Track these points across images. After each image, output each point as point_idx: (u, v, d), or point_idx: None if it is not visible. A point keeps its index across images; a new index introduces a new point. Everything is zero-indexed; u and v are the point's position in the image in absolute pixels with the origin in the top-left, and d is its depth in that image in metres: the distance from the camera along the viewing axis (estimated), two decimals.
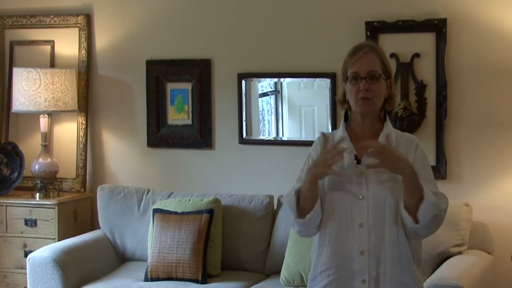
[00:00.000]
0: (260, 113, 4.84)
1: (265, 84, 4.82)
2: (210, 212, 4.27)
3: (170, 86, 4.88)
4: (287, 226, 4.20)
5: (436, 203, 2.48)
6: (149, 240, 4.36)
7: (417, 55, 4.30)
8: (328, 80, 4.51)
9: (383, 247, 2.50)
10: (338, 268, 2.54)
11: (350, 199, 2.53)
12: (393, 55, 4.31)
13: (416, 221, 2.47)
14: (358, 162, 2.55)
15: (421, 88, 4.30)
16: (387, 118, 2.63)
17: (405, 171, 2.45)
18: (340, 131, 2.63)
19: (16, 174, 4.89)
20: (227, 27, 4.74)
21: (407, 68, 4.32)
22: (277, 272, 4.13)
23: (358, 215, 2.52)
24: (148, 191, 4.66)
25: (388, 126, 2.61)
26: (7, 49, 5.14)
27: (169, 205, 4.40)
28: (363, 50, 2.56)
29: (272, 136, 4.82)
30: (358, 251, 2.51)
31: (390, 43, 4.34)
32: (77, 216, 4.83)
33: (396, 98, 2.70)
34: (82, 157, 4.97)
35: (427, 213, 2.46)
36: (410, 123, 4.26)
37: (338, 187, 2.55)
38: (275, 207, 4.41)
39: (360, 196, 2.52)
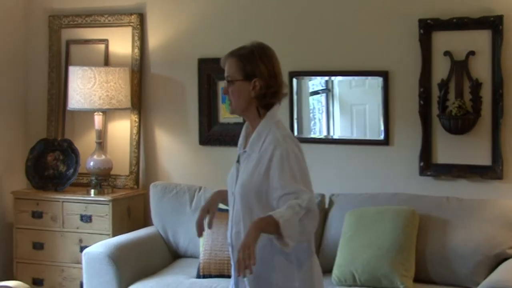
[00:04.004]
0: (311, 111, 4.84)
1: (316, 83, 4.82)
2: None
3: (222, 84, 4.88)
4: (339, 225, 4.20)
5: (291, 214, 2.51)
6: (201, 237, 4.39)
7: (472, 53, 4.25)
8: (380, 79, 4.48)
9: (239, 239, 2.66)
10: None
11: (229, 196, 2.83)
12: (447, 53, 4.28)
13: (287, 243, 2.54)
14: (239, 160, 2.80)
15: (476, 86, 4.25)
16: (266, 115, 2.74)
17: (251, 227, 2.53)
18: (243, 129, 2.87)
19: (71, 170, 4.99)
20: (279, 25, 4.75)
21: (461, 66, 4.27)
22: (328, 271, 4.11)
23: (230, 209, 2.81)
24: (200, 188, 4.70)
25: (264, 125, 2.73)
26: (63, 48, 5.24)
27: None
28: (224, 58, 2.83)
29: (323, 134, 4.81)
30: (229, 242, 2.81)
31: (444, 40, 4.31)
32: (131, 212, 4.90)
33: (281, 95, 2.78)
34: (135, 155, 5.04)
35: (291, 230, 2.52)
36: (464, 122, 4.21)
37: (227, 186, 2.85)
38: (326, 206, 4.41)
39: (232, 193, 2.79)
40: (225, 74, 2.79)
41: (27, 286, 3.91)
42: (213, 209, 2.95)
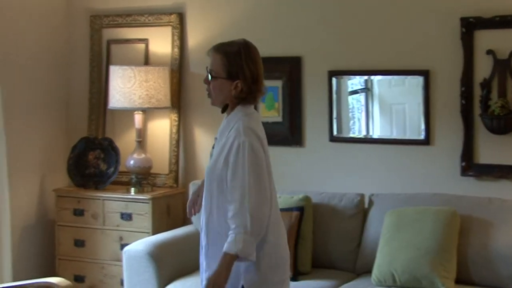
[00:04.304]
0: (350, 111, 4.82)
1: (355, 82, 4.79)
2: (301, 209, 4.28)
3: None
4: (378, 225, 4.18)
5: (235, 238, 2.70)
6: None
7: None
8: (421, 78, 4.44)
9: (203, 224, 2.88)
10: None
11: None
12: (489, 52, 4.22)
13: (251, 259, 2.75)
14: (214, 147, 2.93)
15: None
16: (231, 113, 2.86)
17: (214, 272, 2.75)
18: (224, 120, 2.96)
19: (112, 169, 5.04)
20: (318, 25, 4.74)
21: (504, 65, 4.21)
22: (368, 271, 4.11)
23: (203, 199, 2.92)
24: None
25: (234, 115, 2.84)
26: (104, 48, 5.29)
27: None
28: (211, 50, 2.91)
29: (362, 134, 4.79)
30: (200, 224, 2.96)
31: (486, 39, 4.25)
32: (170, 211, 4.94)
33: (259, 97, 2.89)
34: (175, 153, 5.07)
35: (248, 250, 2.71)
36: (507, 121, 4.15)
37: None
38: (365, 205, 4.39)
39: (204, 178, 2.91)
40: (209, 67, 2.86)
41: (69, 283, 3.96)
42: (201, 195, 3.03)
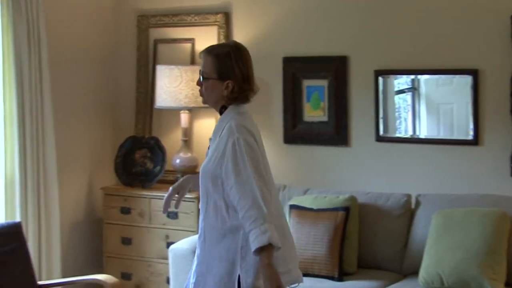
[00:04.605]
0: (397, 110, 4.79)
1: (402, 81, 4.75)
2: (346, 209, 4.27)
3: (307, 83, 4.91)
4: (425, 225, 4.14)
5: (260, 230, 2.70)
6: None
7: None
8: (470, 77, 4.39)
9: (200, 222, 2.94)
10: None
11: None
12: None
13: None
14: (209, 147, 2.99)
15: None
16: (224, 112, 2.93)
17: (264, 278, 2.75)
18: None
19: (158, 168, 5.08)
20: (364, 24, 4.71)
21: None
22: (414, 272, 4.07)
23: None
24: (284, 187, 4.72)
25: (226, 114, 2.92)
26: (151, 47, 5.34)
27: (305, 201, 4.43)
28: (202, 53, 2.97)
29: (409, 133, 4.75)
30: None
31: None
32: None
33: (251, 96, 2.95)
34: None
35: (277, 238, 2.74)
36: None
37: None
38: (412, 206, 4.35)
39: (199, 177, 2.96)
40: (201, 69, 2.95)
41: (116, 280, 4.02)
42: (182, 192, 3.19)
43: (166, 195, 3.17)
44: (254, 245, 2.70)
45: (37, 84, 4.64)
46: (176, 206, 3.25)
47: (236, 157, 2.80)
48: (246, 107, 3.00)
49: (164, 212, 3.19)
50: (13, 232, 4.06)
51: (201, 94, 2.99)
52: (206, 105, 4.78)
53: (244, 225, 2.74)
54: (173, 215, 4.85)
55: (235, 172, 2.78)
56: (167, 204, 3.14)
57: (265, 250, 2.69)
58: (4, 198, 4.53)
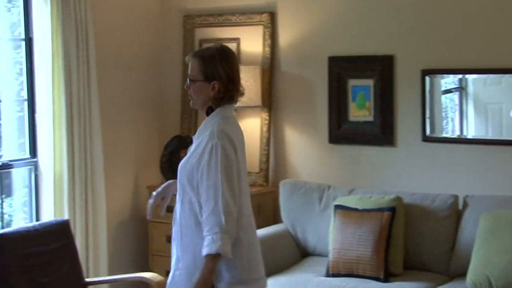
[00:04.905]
0: (444, 110, 4.74)
1: (449, 81, 4.70)
2: (392, 210, 4.24)
3: (352, 83, 4.88)
4: (473, 227, 4.08)
5: (212, 239, 2.83)
6: (330, 236, 4.39)
7: None
8: None
9: (176, 217, 3.04)
10: None
11: None
12: None
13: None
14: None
15: None
16: (210, 114, 3.00)
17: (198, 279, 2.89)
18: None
19: None
20: (410, 22, 4.67)
21: None
22: (462, 274, 4.02)
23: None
24: (329, 187, 4.70)
25: (212, 117, 2.99)
26: (197, 47, 5.37)
27: (350, 201, 4.41)
28: (189, 57, 3.04)
29: (456, 134, 4.69)
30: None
31: None
32: (260, 209, 4.96)
33: (237, 97, 3.04)
34: (265, 152, 5.10)
35: (227, 248, 2.86)
36: None
37: None
38: (460, 207, 4.30)
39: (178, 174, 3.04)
40: (188, 73, 3.03)
41: (161, 278, 4.05)
42: (167, 197, 3.23)
43: (150, 200, 3.23)
44: (204, 251, 2.84)
45: (85, 85, 4.70)
46: (161, 213, 3.29)
47: (210, 161, 2.90)
48: (233, 111, 3.09)
49: (148, 216, 3.24)
50: (61, 229, 4.12)
51: (190, 98, 3.07)
52: (253, 105, 4.93)
53: (203, 228, 2.88)
54: None
55: (206, 176, 2.90)
56: (151, 209, 3.21)
57: (213, 258, 2.83)
58: (53, 196, 4.60)
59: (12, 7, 4.73)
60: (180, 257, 3.04)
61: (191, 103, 3.08)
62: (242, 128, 5.14)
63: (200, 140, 2.98)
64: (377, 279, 4.10)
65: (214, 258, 2.84)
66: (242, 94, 3.07)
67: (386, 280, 4.09)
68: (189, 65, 3.04)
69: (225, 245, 2.84)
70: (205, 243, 2.84)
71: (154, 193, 3.23)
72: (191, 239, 2.98)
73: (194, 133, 5.19)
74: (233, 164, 2.96)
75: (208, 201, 2.88)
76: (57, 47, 4.56)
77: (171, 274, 3.13)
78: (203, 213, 2.90)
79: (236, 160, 2.98)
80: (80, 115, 4.67)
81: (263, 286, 3.12)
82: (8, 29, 4.70)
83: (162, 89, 5.54)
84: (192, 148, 3.04)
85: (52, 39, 4.54)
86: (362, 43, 4.84)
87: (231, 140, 2.98)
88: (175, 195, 3.16)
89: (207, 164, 2.90)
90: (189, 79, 3.03)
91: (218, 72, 2.97)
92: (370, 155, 4.84)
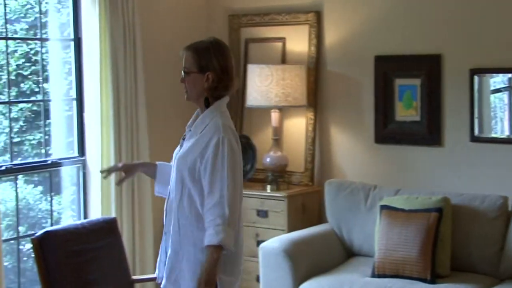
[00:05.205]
0: (492, 110, 4.66)
1: (498, 80, 4.63)
2: (439, 210, 4.19)
3: (399, 82, 4.84)
4: None
5: (215, 230, 2.87)
6: (376, 236, 4.36)
7: None
8: None
9: (171, 209, 3.06)
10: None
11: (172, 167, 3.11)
12: None
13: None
14: (184, 137, 3.12)
15: None
16: (210, 106, 3.05)
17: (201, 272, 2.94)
18: (195, 113, 3.15)
19: (249, 166, 5.12)
20: (458, 21, 4.61)
21: None
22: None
23: (171, 180, 3.10)
24: (375, 187, 4.67)
25: (211, 111, 3.04)
26: (242, 47, 5.39)
27: (396, 202, 4.38)
28: (183, 51, 3.10)
29: (505, 134, 4.61)
30: (164, 208, 3.15)
31: None
32: (305, 209, 4.96)
33: (231, 88, 3.07)
34: (311, 152, 5.09)
35: (229, 241, 2.91)
36: None
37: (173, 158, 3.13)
38: (509, 208, 4.23)
39: (173, 171, 3.07)
40: (183, 65, 3.08)
41: None
42: (129, 174, 3.31)
43: (118, 164, 3.42)
44: (205, 241, 2.89)
45: (132, 84, 4.76)
46: (118, 184, 3.43)
47: (217, 155, 2.93)
48: (225, 105, 3.11)
49: (101, 171, 3.43)
50: (109, 227, 4.16)
51: (185, 91, 3.12)
52: (298, 104, 4.93)
53: (205, 220, 2.92)
54: (263, 214, 4.88)
55: (212, 169, 2.92)
56: (111, 170, 3.37)
57: (215, 249, 2.88)
58: (100, 195, 4.66)
59: (62, 8, 4.81)
60: (178, 250, 3.04)
61: (186, 96, 3.13)
62: (288, 128, 5.22)
63: (201, 133, 3.01)
64: (423, 280, 4.06)
65: (216, 249, 2.88)
66: (236, 87, 3.13)
67: (433, 281, 4.05)
68: (183, 58, 3.09)
69: (228, 238, 2.88)
70: (207, 233, 2.89)
71: (122, 163, 3.38)
72: (190, 231, 3.00)
73: (240, 132, 5.29)
74: (237, 158, 3.00)
75: (213, 193, 2.91)
76: (105, 47, 4.62)
77: (167, 267, 3.09)
78: (205, 204, 2.92)
79: (239, 154, 3.03)
80: (127, 114, 4.72)
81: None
82: (58, 29, 4.78)
83: None
84: (190, 142, 3.04)
85: (100, 39, 4.60)
86: (409, 42, 4.80)
87: (235, 135, 3.03)
88: (136, 174, 3.34)
89: (213, 157, 2.93)
90: (184, 72, 3.08)
91: (212, 63, 3.02)
92: (416, 155, 4.79)
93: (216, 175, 2.92)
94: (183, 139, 3.13)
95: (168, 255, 3.10)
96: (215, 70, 3.02)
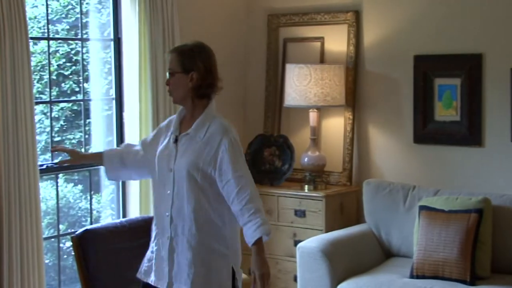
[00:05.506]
0: None
1: None
2: (479, 211, 4.14)
3: (438, 82, 4.79)
4: None
5: (262, 222, 3.01)
6: (415, 237, 4.33)
7: None
8: None
9: (182, 212, 3.09)
10: (159, 225, 3.22)
11: (164, 171, 3.15)
12: None
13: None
14: (176, 141, 3.15)
15: None
16: (208, 106, 3.18)
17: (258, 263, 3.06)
18: (177, 114, 3.24)
19: (287, 166, 5.12)
20: (500, 19, 4.55)
21: None
22: None
23: (167, 185, 3.13)
24: (414, 187, 4.63)
25: (207, 113, 3.16)
26: (281, 46, 5.39)
27: (436, 202, 4.33)
28: (168, 53, 3.21)
29: None
30: (165, 214, 3.15)
31: None
32: (343, 209, 4.94)
33: (215, 88, 3.18)
34: (349, 152, 5.06)
35: (269, 228, 3.05)
36: None
37: (159, 161, 3.18)
38: None
39: (170, 169, 3.12)
40: (168, 67, 3.18)
41: (245, 276, 4.07)
42: (77, 160, 3.46)
43: (66, 147, 3.75)
44: (256, 233, 2.99)
45: None
46: (57, 164, 3.67)
47: (234, 154, 3.07)
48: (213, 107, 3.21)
49: (52, 147, 3.66)
50: (147, 226, 4.17)
51: (171, 93, 3.20)
52: (336, 104, 4.91)
53: (242, 215, 3.02)
54: (301, 214, 4.87)
55: (233, 168, 3.05)
56: (55, 149, 3.59)
57: (261, 240, 3.01)
58: (139, 194, 4.70)
59: (102, 8, 4.86)
60: (198, 249, 3.10)
61: (172, 98, 3.21)
62: (326, 127, 5.20)
63: (206, 136, 3.10)
64: (463, 282, 4.02)
65: (262, 240, 3.02)
66: (220, 88, 3.21)
67: (472, 283, 4.00)
68: (168, 61, 3.19)
69: (270, 226, 3.05)
70: (254, 226, 2.99)
71: (71, 150, 3.55)
72: (208, 229, 3.09)
73: (278, 132, 5.29)
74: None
75: (244, 190, 3.03)
76: (144, 47, 4.66)
77: (179, 266, 3.16)
78: (237, 202, 3.02)
79: None
80: (166, 113, 4.74)
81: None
82: (98, 29, 4.84)
83: (246, 88, 5.58)
84: (197, 143, 3.10)
85: (139, 40, 4.64)
86: (449, 41, 4.75)
87: (237, 135, 3.19)
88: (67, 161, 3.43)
89: (231, 158, 3.05)
90: (169, 73, 3.17)
91: (196, 63, 3.12)
92: (456, 155, 4.74)
93: (242, 174, 3.06)
94: (175, 142, 3.16)
95: (178, 258, 3.14)
96: (199, 69, 3.12)
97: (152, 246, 3.28)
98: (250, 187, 3.07)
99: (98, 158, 3.42)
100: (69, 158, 3.41)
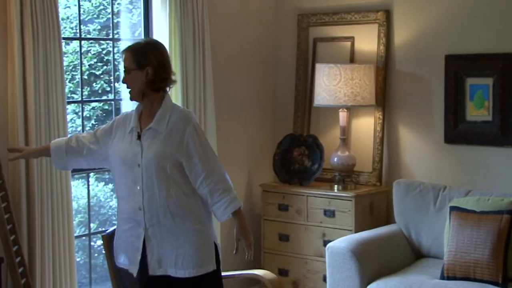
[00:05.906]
0: None
1: None
2: (511, 213, 4.09)
3: (470, 81, 4.75)
4: None
5: (232, 196, 3.27)
6: (445, 237, 4.30)
7: None
8: None
9: (154, 202, 3.23)
10: (132, 219, 3.30)
11: (132, 168, 3.26)
12: None
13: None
14: (139, 137, 3.27)
15: None
16: (165, 98, 3.29)
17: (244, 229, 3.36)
18: (134, 111, 3.35)
19: (316, 166, 5.11)
20: None
21: None
22: None
23: (137, 181, 3.25)
24: (445, 188, 4.60)
25: (165, 105, 3.28)
26: (311, 46, 5.38)
27: (467, 203, 4.30)
28: (122, 53, 3.31)
29: None
30: (137, 207, 3.26)
31: None
32: (373, 209, 4.92)
33: (169, 81, 3.30)
34: (379, 151, 5.04)
35: (239, 202, 3.32)
36: None
37: (125, 160, 3.28)
38: None
39: (137, 165, 3.24)
40: (123, 66, 3.28)
41: (274, 276, 4.07)
42: (25, 153, 3.56)
43: (21, 147, 3.76)
44: (228, 210, 3.25)
45: (200, 84, 4.80)
46: (10, 159, 3.68)
47: (199, 139, 3.25)
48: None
49: (8, 149, 3.68)
50: None
51: (129, 92, 3.30)
52: (366, 104, 4.89)
53: (212, 198, 3.24)
54: (330, 214, 4.86)
55: (199, 153, 3.23)
56: (12, 150, 3.63)
57: (238, 212, 3.28)
58: None
59: (133, 8, 4.90)
60: (178, 234, 3.24)
61: (129, 96, 3.31)
62: (356, 127, 5.18)
63: (168, 127, 3.23)
64: (495, 284, 3.98)
65: (240, 212, 3.28)
66: (173, 82, 3.33)
67: (504, 285, 3.96)
68: (123, 60, 3.29)
69: (240, 200, 3.30)
70: (224, 205, 3.24)
71: (23, 148, 3.66)
72: (183, 213, 3.23)
73: (308, 132, 5.28)
74: None
75: (212, 173, 3.23)
76: (175, 48, 4.68)
77: (158, 252, 3.28)
78: (205, 185, 3.22)
79: None
80: (196, 113, 4.77)
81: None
82: (129, 30, 4.87)
83: (276, 87, 5.58)
84: (159, 136, 3.22)
85: (170, 40, 4.66)
86: (481, 40, 4.70)
87: (197, 119, 3.38)
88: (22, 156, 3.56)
89: (197, 143, 3.23)
90: (124, 71, 3.28)
91: (149, 59, 3.24)
92: (488, 155, 4.69)
93: (208, 158, 3.25)
94: (138, 138, 3.26)
95: (158, 246, 3.26)
96: (153, 64, 3.24)
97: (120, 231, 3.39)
98: (216, 170, 3.25)
99: (46, 153, 3.54)
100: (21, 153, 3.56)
